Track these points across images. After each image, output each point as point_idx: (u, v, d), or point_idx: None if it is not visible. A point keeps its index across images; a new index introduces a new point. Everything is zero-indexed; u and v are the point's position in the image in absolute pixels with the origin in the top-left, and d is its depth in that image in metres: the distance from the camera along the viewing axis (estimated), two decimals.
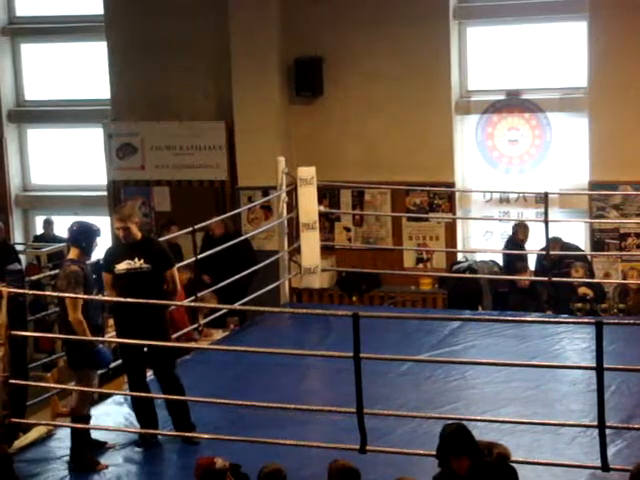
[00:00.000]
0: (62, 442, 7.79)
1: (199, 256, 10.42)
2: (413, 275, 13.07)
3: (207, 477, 6.19)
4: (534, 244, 11.99)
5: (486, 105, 13.10)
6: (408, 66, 13.01)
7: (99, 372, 7.80)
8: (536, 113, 12.90)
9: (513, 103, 13.01)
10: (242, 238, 11.84)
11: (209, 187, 13.95)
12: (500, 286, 11.55)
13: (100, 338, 7.53)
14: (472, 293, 11.54)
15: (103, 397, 8.54)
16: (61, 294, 7.44)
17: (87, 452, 7.49)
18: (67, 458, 7.55)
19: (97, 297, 7.63)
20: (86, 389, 7.52)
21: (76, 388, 7.63)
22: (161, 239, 11.72)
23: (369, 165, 13.13)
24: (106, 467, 7.42)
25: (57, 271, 8.10)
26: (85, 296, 7.39)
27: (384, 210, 13.23)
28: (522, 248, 11.89)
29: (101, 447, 7.69)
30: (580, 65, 12.59)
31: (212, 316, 10.49)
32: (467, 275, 11.74)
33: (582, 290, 11.10)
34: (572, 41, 12.76)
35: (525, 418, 7.50)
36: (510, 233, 12.20)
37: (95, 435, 7.76)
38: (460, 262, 12.54)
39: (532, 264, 12.01)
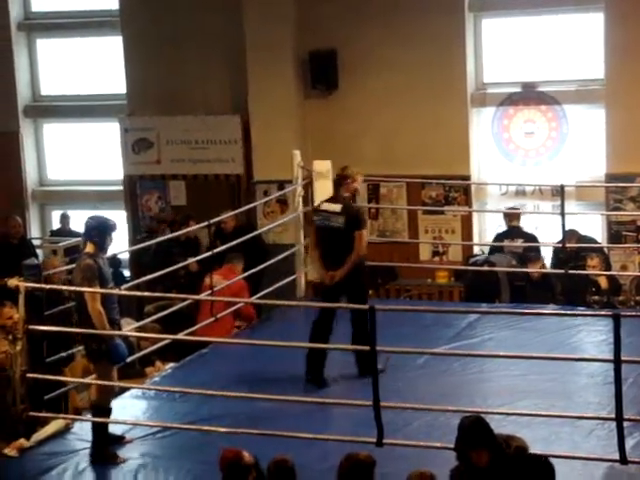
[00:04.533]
0: (80, 436, 7.82)
1: (215, 250, 10.45)
2: (429, 268, 13.06)
3: (233, 470, 6.14)
4: (550, 237, 11.96)
5: (502, 97, 13.06)
6: (423, 59, 12.98)
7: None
8: (552, 105, 12.86)
9: (529, 95, 12.96)
10: (256, 233, 11.86)
11: (225, 181, 13.96)
12: (517, 279, 11.52)
13: (117, 332, 7.57)
14: (490, 286, 11.52)
15: (120, 391, 8.55)
16: (77, 288, 7.46)
17: (107, 445, 7.52)
18: (86, 452, 7.58)
19: (115, 291, 7.66)
20: (105, 383, 7.55)
21: (94, 382, 7.66)
22: (178, 233, 11.83)
23: (385, 158, 13.11)
24: (125, 461, 7.44)
25: (73, 265, 8.12)
26: (101, 290, 7.41)
27: (400, 203, 13.22)
28: (516, 233, 11.86)
29: (118, 441, 7.71)
30: (596, 57, 12.54)
31: (228, 310, 10.51)
32: (483, 268, 11.68)
33: (601, 280, 11.04)
34: (588, 32, 12.70)
35: (543, 411, 7.48)
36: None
37: (112, 429, 7.78)
38: (476, 255, 12.53)
39: (548, 256, 11.99)
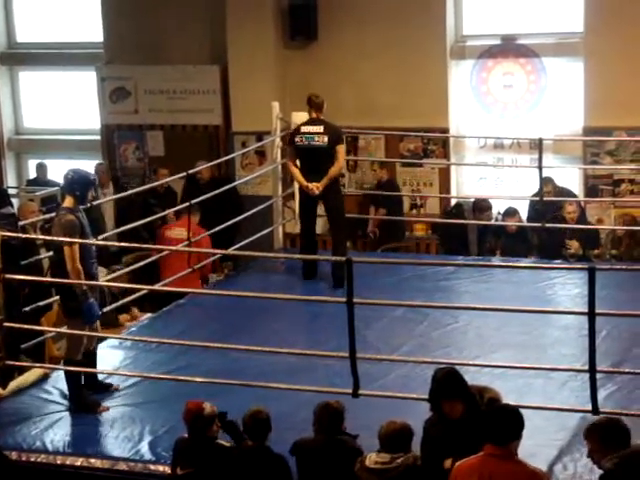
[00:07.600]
0: (57, 384, 7.85)
1: (193, 201, 10.43)
2: (407, 221, 13.08)
3: (196, 422, 6.29)
4: (528, 190, 11.99)
5: (481, 50, 13.02)
6: (403, 10, 12.91)
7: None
8: (531, 58, 12.83)
9: (508, 48, 12.93)
10: (231, 186, 11.84)
11: (203, 132, 13.90)
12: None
13: (91, 282, 7.56)
14: (459, 231, 11.60)
15: (98, 340, 8.55)
16: (55, 239, 7.44)
17: (87, 394, 7.54)
18: (62, 401, 7.60)
19: (90, 241, 7.64)
20: (79, 333, 7.56)
21: (70, 332, 7.65)
22: (156, 184, 11.79)
23: (363, 110, 13.06)
24: (107, 409, 7.46)
25: (51, 215, 8.07)
26: (79, 240, 7.38)
27: (378, 156, 13.21)
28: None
29: (107, 390, 7.75)
30: (576, 9, 12.51)
31: (206, 261, 10.53)
32: (460, 221, 11.67)
33: (571, 244, 11.09)
34: None
35: (517, 362, 7.53)
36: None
37: (100, 377, 7.82)
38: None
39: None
